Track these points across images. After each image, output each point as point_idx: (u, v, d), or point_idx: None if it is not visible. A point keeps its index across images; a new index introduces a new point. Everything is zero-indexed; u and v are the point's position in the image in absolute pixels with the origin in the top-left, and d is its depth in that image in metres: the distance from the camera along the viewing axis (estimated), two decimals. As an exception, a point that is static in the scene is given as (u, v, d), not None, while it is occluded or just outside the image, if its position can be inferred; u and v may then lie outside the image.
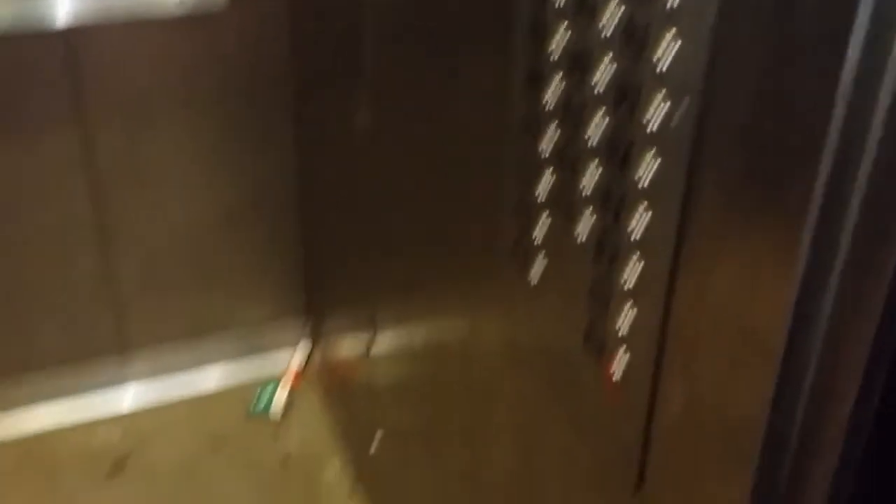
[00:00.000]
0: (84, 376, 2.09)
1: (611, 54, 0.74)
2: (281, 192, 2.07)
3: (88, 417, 2.08)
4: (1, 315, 1.96)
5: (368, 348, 1.72)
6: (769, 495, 0.63)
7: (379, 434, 1.76)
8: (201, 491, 1.93)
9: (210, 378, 2.18)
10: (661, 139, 0.69)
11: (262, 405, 2.10)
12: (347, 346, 1.94)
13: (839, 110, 0.53)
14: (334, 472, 1.98)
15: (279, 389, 2.12)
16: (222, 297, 2.14)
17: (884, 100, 0.52)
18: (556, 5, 0.80)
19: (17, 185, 1.86)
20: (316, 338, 2.17)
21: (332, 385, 2.07)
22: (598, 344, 0.81)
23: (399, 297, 1.54)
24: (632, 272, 0.75)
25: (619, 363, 0.77)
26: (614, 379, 0.77)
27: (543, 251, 0.91)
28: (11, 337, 1.99)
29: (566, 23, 0.80)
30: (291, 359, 2.21)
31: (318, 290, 2.13)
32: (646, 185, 0.71)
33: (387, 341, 1.64)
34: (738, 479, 0.64)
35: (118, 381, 2.12)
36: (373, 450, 1.77)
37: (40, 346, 2.03)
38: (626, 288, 0.75)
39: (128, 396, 2.12)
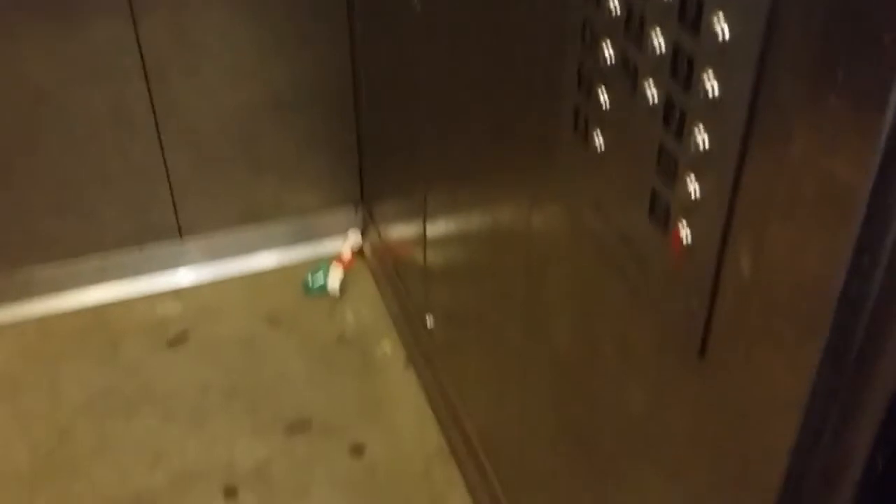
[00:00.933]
0: (144, 257, 2.13)
1: None
2: (334, 78, 2.04)
3: (149, 292, 2.14)
4: (64, 197, 2.00)
5: (423, 230, 1.73)
6: (842, 357, 0.62)
7: (433, 314, 1.78)
8: (260, 363, 1.99)
9: (266, 260, 2.22)
10: (737, -4, 0.66)
11: (317, 284, 2.14)
12: (401, 229, 1.95)
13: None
14: (389, 348, 2.02)
15: (334, 269, 2.15)
16: (276, 183, 2.15)
17: None
18: None
19: (71, 70, 1.86)
20: (369, 222, 2.18)
21: (386, 266, 2.09)
22: (664, 211, 0.80)
23: (454, 178, 1.53)
24: (702, 137, 0.73)
25: (686, 229, 0.76)
26: (683, 243, 0.76)
27: (608, 119, 0.89)
28: (74, 218, 2.04)
29: None
30: (345, 241, 2.23)
31: (372, 175, 2.13)
32: (720, 44, 0.68)
33: (441, 223, 1.64)
34: (808, 342, 0.64)
35: (177, 262, 2.17)
36: (429, 325, 1.80)
37: (102, 227, 2.07)
38: (696, 153, 0.73)
39: (187, 275, 2.17)
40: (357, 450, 1.81)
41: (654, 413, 0.93)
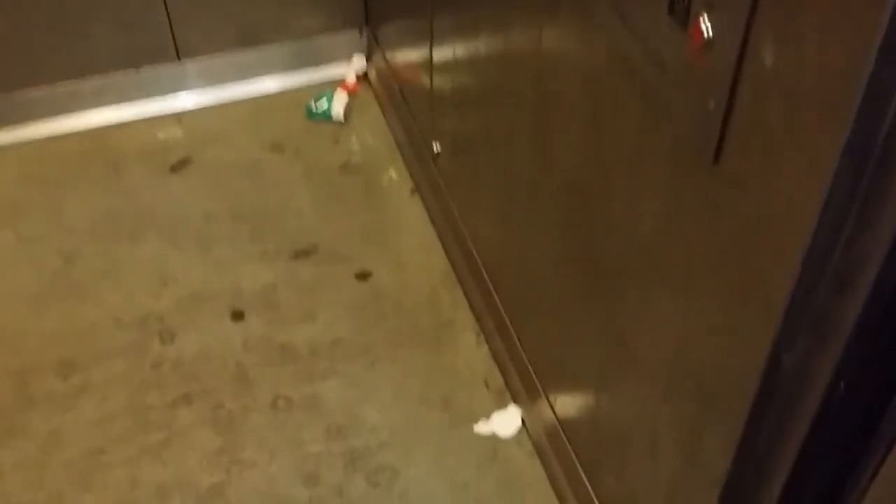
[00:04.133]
0: (143, 80, 2.08)
1: None
2: None
3: (150, 116, 2.10)
4: (58, 17, 1.93)
5: (429, 53, 1.67)
6: (863, 154, 0.59)
7: (439, 140, 1.74)
8: (264, 190, 1.97)
9: (268, 84, 2.16)
10: None
11: (321, 110, 2.09)
12: (407, 53, 1.88)
13: None
14: (395, 175, 1.99)
15: (338, 95, 2.09)
16: (276, 3, 2.07)
17: None
18: None
19: None
20: (374, 46, 2.11)
21: (391, 91, 2.04)
22: (685, 6, 0.75)
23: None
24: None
25: (707, 23, 0.71)
26: (704, 36, 0.71)
27: None
28: (69, 38, 1.97)
29: None
30: (350, 66, 2.17)
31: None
32: None
33: (448, 45, 1.58)
34: (830, 137, 0.60)
35: (176, 86, 2.11)
36: (435, 150, 1.76)
37: (99, 50, 2.01)
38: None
39: (187, 99, 2.12)
40: (363, 275, 1.81)
41: (664, 227, 0.91)
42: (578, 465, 1.32)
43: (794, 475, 0.79)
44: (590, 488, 1.29)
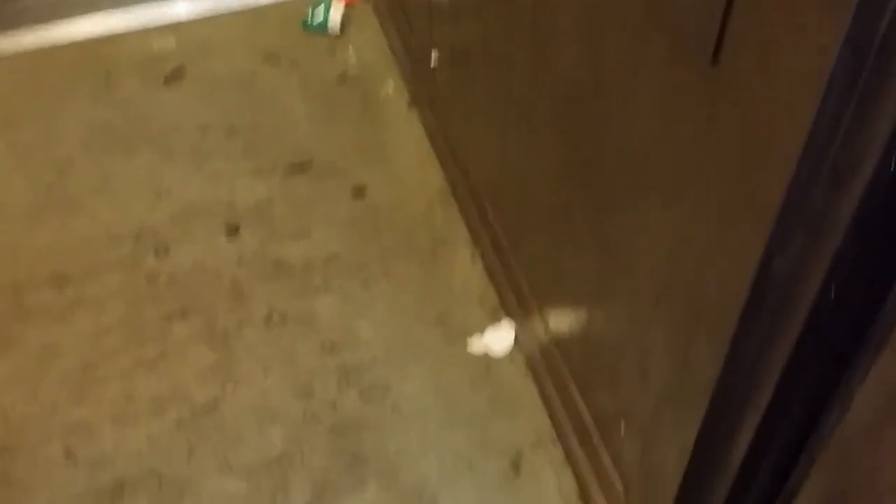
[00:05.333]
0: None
1: None
2: None
3: (142, 26, 2.05)
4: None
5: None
6: (863, 45, 0.56)
7: (436, 51, 1.70)
8: (258, 102, 1.94)
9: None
10: None
11: (317, 21, 2.04)
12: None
13: None
14: (392, 88, 1.95)
15: (335, 5, 2.04)
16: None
17: None
18: None
19: None
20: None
21: (389, 3, 1.98)
22: None
23: None
24: None
25: None
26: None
27: None
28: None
29: None
30: (348, -23, 2.11)
31: None
32: None
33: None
34: (830, 27, 0.57)
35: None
36: (433, 64, 1.72)
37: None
38: None
39: (183, 8, 2.07)
40: (358, 191, 1.79)
41: (660, 132, 0.88)
42: (570, 381, 1.32)
43: (782, 383, 0.77)
44: (581, 404, 1.29)
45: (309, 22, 2.04)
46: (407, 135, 1.87)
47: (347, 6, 2.06)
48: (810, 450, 0.78)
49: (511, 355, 1.51)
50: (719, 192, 0.78)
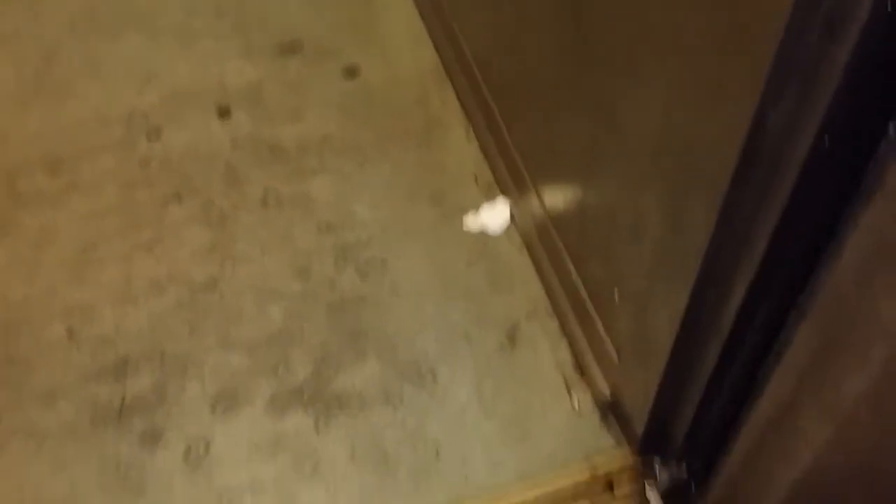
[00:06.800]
0: None
1: None
2: None
3: None
4: None
5: None
6: None
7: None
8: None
9: None
10: None
11: None
12: None
13: None
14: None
15: None
16: None
17: None
18: None
19: None
20: None
21: None
22: None
23: None
24: None
25: None
26: None
27: None
28: None
29: None
30: None
31: None
32: None
33: None
34: None
35: None
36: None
37: None
38: None
39: None
40: (351, 71, 1.77)
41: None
42: (565, 254, 1.33)
43: (775, 240, 0.78)
44: (575, 275, 1.30)
45: None
46: (399, 13, 1.84)
47: None
48: (801, 305, 0.80)
49: (507, 232, 1.52)
50: (713, 45, 0.77)
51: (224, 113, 1.72)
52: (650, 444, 1.18)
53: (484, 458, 1.26)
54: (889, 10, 0.58)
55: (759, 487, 0.93)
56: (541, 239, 1.42)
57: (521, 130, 1.44)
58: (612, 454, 1.24)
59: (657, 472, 1.16)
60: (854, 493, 0.77)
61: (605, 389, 1.27)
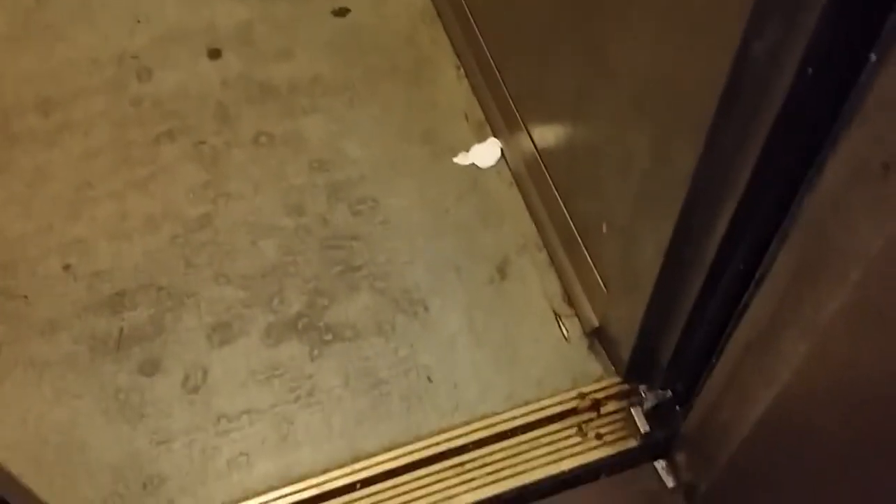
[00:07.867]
0: None
1: None
2: None
3: None
4: None
5: None
6: None
7: None
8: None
9: None
10: None
11: None
12: None
13: None
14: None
15: None
16: None
17: None
18: None
19: None
20: None
21: None
22: None
23: None
24: None
25: None
26: None
27: None
28: None
29: None
30: None
31: None
32: None
33: None
34: None
35: None
36: None
37: None
38: None
39: None
40: (340, 11, 1.78)
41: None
42: (555, 190, 1.36)
43: (758, 169, 0.81)
44: (564, 210, 1.33)
45: None
46: (388, -49, 1.84)
47: None
48: (782, 231, 0.83)
49: (497, 169, 1.55)
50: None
51: (214, 54, 1.73)
52: (636, 369, 1.23)
53: (475, 384, 1.31)
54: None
55: (740, 405, 0.98)
56: (531, 175, 1.45)
57: (512, 69, 1.46)
58: (599, 379, 1.28)
59: (643, 395, 1.20)
60: (829, 407, 0.82)
61: (592, 319, 1.31)
